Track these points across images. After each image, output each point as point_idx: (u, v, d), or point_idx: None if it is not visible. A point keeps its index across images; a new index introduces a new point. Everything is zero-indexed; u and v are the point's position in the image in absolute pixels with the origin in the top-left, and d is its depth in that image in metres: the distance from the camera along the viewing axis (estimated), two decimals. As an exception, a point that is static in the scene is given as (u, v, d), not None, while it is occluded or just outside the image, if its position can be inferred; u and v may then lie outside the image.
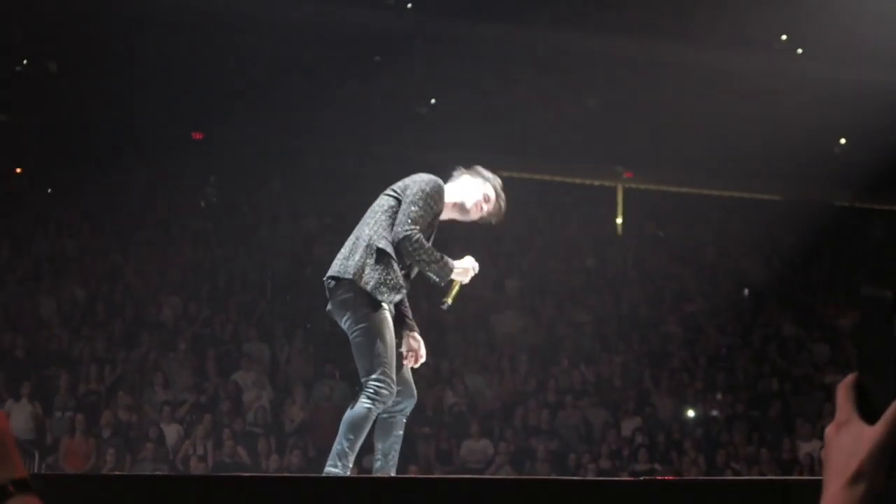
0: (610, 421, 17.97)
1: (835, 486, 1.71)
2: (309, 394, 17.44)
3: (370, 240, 7.29)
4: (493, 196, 7.76)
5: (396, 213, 7.35)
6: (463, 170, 7.82)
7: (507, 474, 15.99)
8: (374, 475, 7.52)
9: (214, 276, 20.23)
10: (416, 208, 7.30)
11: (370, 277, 7.18)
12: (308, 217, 22.58)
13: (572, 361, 19.15)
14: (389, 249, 7.25)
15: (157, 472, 14.55)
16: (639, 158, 25.52)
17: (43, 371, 17.12)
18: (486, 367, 18.71)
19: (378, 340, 7.15)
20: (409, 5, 22.78)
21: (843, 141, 25.88)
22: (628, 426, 17.87)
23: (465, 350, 18.65)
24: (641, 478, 11.45)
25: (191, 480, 8.66)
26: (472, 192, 7.72)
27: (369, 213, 7.49)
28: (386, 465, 7.31)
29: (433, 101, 23.61)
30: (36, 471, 14.69)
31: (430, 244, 7.35)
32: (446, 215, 7.64)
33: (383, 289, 7.19)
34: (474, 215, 7.75)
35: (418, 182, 7.42)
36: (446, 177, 7.73)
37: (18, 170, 23.89)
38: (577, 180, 26.99)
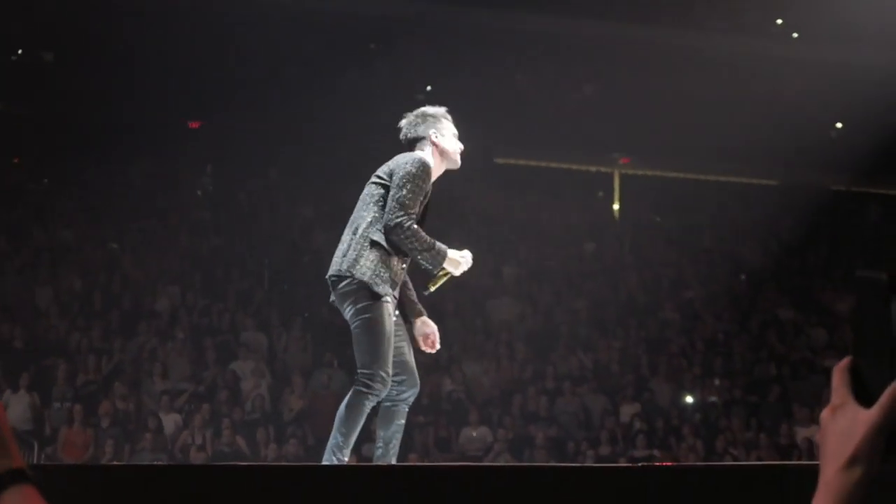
0: (608, 407, 17.97)
1: (831, 469, 1.72)
2: (307, 382, 17.45)
3: (367, 233, 7.26)
4: (454, 127, 7.70)
5: (385, 198, 7.31)
6: (413, 119, 7.67)
7: (505, 461, 16.00)
8: (374, 463, 7.52)
9: (212, 266, 20.23)
10: (405, 192, 7.25)
11: (370, 271, 7.17)
12: (306, 206, 22.57)
13: (570, 348, 19.16)
14: (385, 242, 7.25)
15: (155, 462, 14.56)
16: (635, 144, 25.55)
17: (41, 361, 17.11)
18: (484, 354, 18.71)
19: (377, 333, 7.15)
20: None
21: (839, 125, 25.90)
22: (627, 412, 17.88)
23: (463, 337, 18.64)
24: (640, 464, 11.46)
25: (190, 470, 8.67)
26: (445, 139, 7.63)
27: (360, 204, 7.44)
28: (387, 453, 7.31)
29: (429, 88, 23.59)
30: (35, 461, 14.69)
31: (422, 231, 7.32)
32: (436, 175, 7.58)
33: (383, 281, 7.18)
34: (457, 157, 7.66)
35: (403, 165, 7.36)
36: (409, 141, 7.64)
37: (16, 159, 23.89)
38: (574, 166, 27.01)
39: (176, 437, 16.08)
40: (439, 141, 7.58)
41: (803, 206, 24.33)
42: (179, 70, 22.13)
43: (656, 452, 16.90)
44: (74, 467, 10.47)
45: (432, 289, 7.49)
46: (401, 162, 7.39)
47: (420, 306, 7.65)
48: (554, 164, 26.57)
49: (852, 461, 1.70)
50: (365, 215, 7.35)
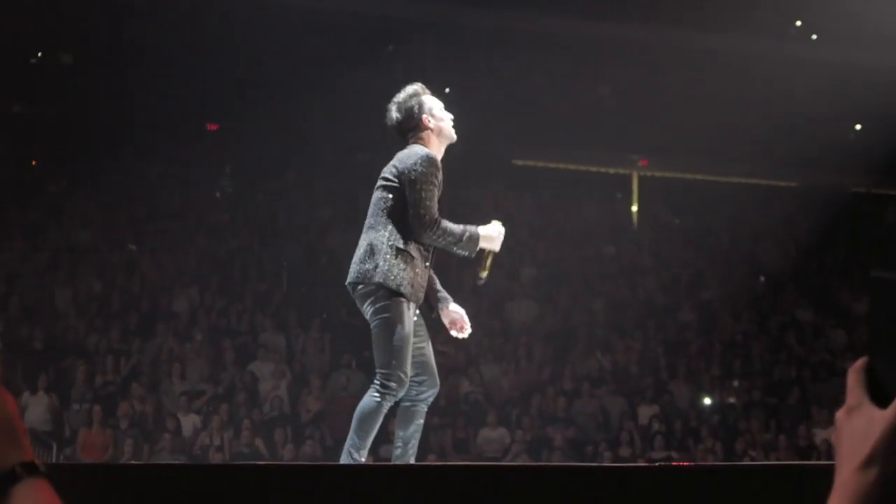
0: (627, 409, 17.96)
1: (847, 470, 1.71)
2: (325, 383, 17.47)
3: (383, 238, 7.21)
4: (437, 100, 7.63)
5: (399, 201, 7.25)
6: (399, 107, 7.54)
7: (523, 463, 15.98)
8: (392, 463, 7.51)
9: (230, 267, 20.26)
10: (424, 194, 7.20)
11: (389, 273, 7.13)
12: (323, 207, 22.59)
13: (588, 349, 19.14)
14: (404, 245, 7.22)
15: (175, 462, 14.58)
16: (654, 146, 25.50)
17: (60, 363, 17.17)
18: (503, 356, 18.71)
19: (395, 333, 7.13)
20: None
21: (858, 126, 25.84)
22: (645, 414, 17.86)
23: (481, 339, 18.64)
24: (657, 464, 11.44)
25: (206, 469, 8.67)
26: (436, 117, 7.54)
27: (373, 209, 7.37)
28: (406, 453, 7.30)
29: (447, 90, 23.60)
30: (53, 462, 14.72)
31: (449, 223, 7.27)
32: (440, 157, 7.46)
33: (402, 282, 7.15)
34: (452, 131, 7.56)
35: (411, 165, 7.26)
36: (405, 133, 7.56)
37: (34, 161, 23.96)
38: (593, 168, 26.98)
39: (195, 438, 16.10)
40: (432, 123, 7.50)
41: (822, 208, 24.30)
42: (197, 72, 22.19)
43: (675, 454, 16.88)
44: (91, 466, 10.48)
45: (483, 275, 7.49)
46: (408, 163, 7.29)
47: (444, 293, 7.64)
48: (572, 167, 26.54)
49: (868, 462, 1.70)
50: (380, 220, 7.29)
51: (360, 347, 16.49)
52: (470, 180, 21.15)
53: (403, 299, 7.16)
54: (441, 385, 7.60)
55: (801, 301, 21.69)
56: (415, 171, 7.23)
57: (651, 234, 24.27)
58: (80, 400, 16.48)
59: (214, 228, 21.71)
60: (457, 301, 7.70)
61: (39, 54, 23.94)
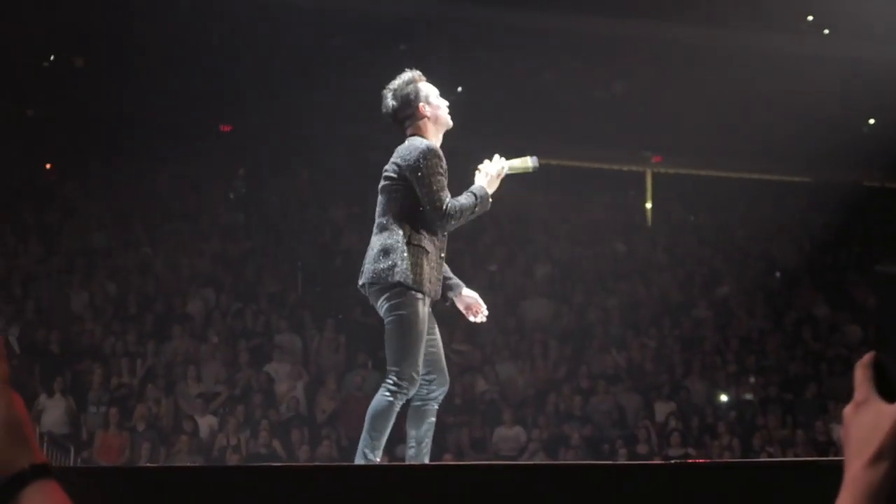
0: (643, 406, 17.94)
1: (856, 465, 1.71)
2: (340, 384, 17.47)
3: (400, 238, 7.17)
4: (433, 86, 7.59)
5: (406, 197, 7.21)
6: (395, 95, 7.49)
7: (540, 461, 15.96)
8: (408, 463, 7.50)
9: (244, 268, 20.28)
10: (434, 186, 7.16)
11: (402, 271, 7.09)
12: (337, 207, 22.60)
13: (604, 347, 19.13)
14: (419, 241, 7.20)
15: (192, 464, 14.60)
16: (667, 143, 25.48)
17: (76, 366, 17.20)
18: (518, 355, 18.70)
19: (408, 331, 7.11)
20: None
21: (871, 121, 25.78)
22: (662, 411, 17.84)
23: (496, 337, 18.64)
24: (674, 461, 11.42)
25: (222, 471, 8.69)
26: (432, 105, 7.50)
27: (380, 209, 7.33)
28: (420, 452, 7.27)
29: (459, 88, 23.59)
30: (71, 465, 14.76)
31: (457, 200, 7.24)
32: (439, 144, 7.45)
33: (416, 279, 7.13)
34: (448, 117, 7.54)
35: (414, 162, 7.20)
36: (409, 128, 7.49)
37: (48, 165, 24.01)
38: (606, 165, 26.96)
39: (212, 439, 16.12)
40: (429, 110, 7.45)
41: (836, 203, 24.25)
42: (210, 74, 22.21)
43: (691, 451, 16.86)
44: (109, 469, 10.51)
45: (531, 162, 7.56)
46: (410, 160, 7.22)
47: (457, 280, 7.62)
48: (586, 164, 26.52)
49: (877, 457, 1.70)
50: (391, 218, 7.25)
51: (375, 347, 16.48)
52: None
53: (421, 296, 7.13)
54: (457, 384, 7.60)
55: (817, 296, 21.65)
56: (419, 166, 7.18)
57: (665, 231, 24.24)
58: (97, 403, 16.50)
59: (228, 230, 21.72)
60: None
61: (52, 58, 23.99)
